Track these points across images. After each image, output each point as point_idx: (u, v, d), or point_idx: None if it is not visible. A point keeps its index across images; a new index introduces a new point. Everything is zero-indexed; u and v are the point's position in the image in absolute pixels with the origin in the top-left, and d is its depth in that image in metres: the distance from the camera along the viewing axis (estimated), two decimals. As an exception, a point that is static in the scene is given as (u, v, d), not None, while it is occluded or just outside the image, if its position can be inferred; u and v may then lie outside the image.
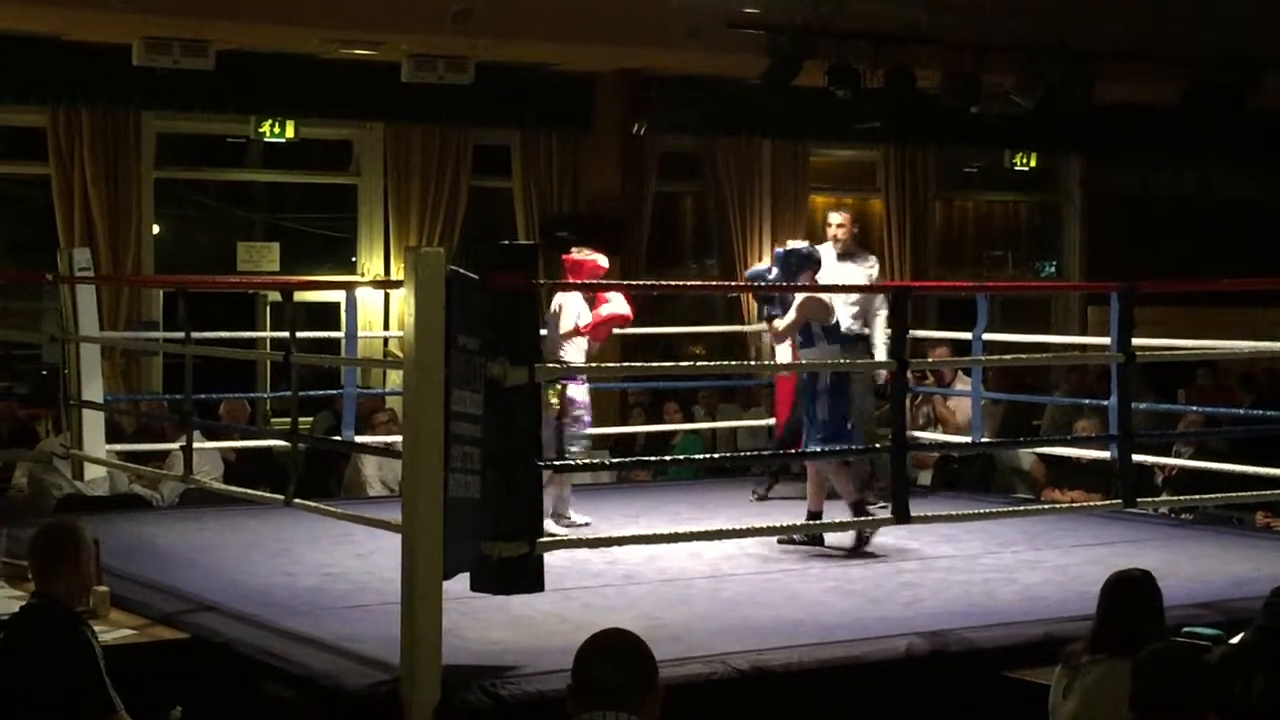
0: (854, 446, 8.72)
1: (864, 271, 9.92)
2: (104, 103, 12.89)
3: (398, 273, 13.55)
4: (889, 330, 8.60)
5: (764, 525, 8.62)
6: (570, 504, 9.19)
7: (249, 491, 8.58)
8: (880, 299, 9.70)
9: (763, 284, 9.08)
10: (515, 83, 13.99)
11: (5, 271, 13.18)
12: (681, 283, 15.62)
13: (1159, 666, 4.28)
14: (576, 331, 8.96)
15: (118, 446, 10.40)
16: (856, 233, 10.10)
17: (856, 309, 9.72)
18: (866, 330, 9.80)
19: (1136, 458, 8.08)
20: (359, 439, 10.27)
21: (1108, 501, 8.42)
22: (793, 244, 9.02)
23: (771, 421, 11.49)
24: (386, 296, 14.06)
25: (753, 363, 14.36)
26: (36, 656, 4.93)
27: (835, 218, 10.01)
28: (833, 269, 9.59)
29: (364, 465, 11.22)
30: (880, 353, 9.55)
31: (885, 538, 8.55)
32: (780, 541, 8.49)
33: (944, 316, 15.62)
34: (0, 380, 12.16)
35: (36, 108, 12.90)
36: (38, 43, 12.50)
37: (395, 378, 12.25)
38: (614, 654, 3.61)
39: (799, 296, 8.50)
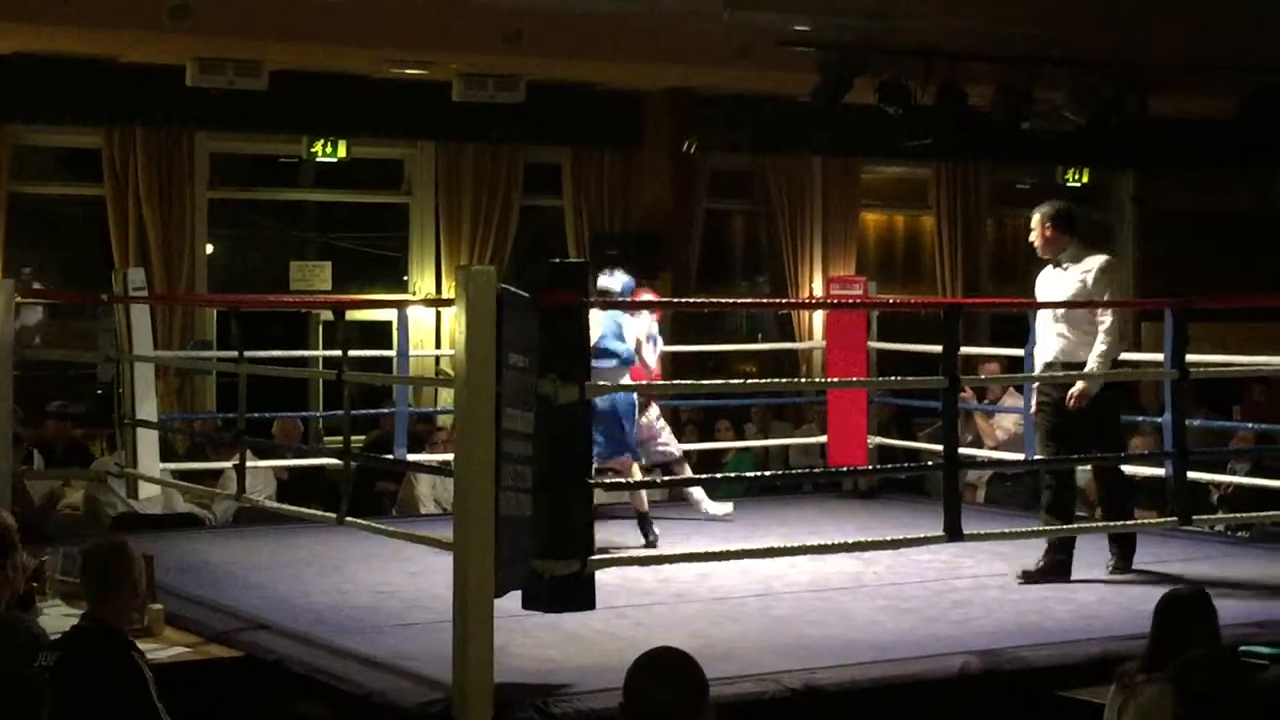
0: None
1: (1072, 279, 8.26)
2: (158, 123, 13.00)
3: (449, 291, 13.58)
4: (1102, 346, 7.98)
5: (816, 543, 8.58)
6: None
7: (302, 510, 8.61)
8: (1100, 313, 8.13)
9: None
10: (566, 101, 14.02)
11: (61, 292, 13.28)
12: (731, 300, 15.60)
13: (1202, 668, 4.31)
14: None
15: (172, 465, 10.46)
16: (1050, 234, 8.25)
17: (1064, 329, 8.22)
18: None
19: (1191, 475, 8.00)
20: (411, 457, 10.30)
21: (1163, 519, 8.35)
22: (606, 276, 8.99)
23: (823, 439, 11.45)
24: (438, 315, 14.10)
25: (804, 380, 14.33)
26: (87, 681, 4.94)
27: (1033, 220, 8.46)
28: (1047, 279, 8.45)
29: (418, 484, 11.23)
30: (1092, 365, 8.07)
31: (939, 555, 8.50)
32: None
33: (996, 333, 15.57)
34: (57, 399, 12.23)
35: (91, 129, 13.03)
36: (92, 65, 12.61)
37: (447, 396, 12.27)
38: (665, 672, 3.61)
39: None
